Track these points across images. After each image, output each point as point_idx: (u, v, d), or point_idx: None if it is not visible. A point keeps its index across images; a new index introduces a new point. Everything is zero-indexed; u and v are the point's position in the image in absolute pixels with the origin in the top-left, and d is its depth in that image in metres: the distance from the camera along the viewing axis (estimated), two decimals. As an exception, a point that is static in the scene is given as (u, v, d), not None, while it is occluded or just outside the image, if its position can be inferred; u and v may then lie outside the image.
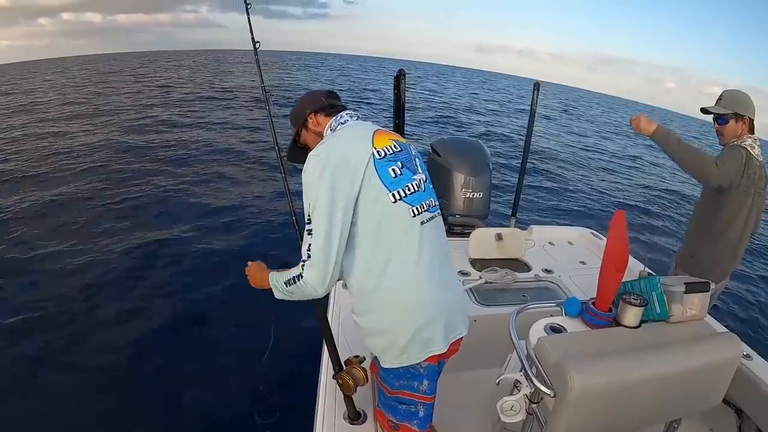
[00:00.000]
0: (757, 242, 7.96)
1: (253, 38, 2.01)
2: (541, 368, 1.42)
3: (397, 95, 3.20)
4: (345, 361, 1.69)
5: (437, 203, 1.52)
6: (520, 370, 1.48)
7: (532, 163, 11.32)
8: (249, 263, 1.63)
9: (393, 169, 1.38)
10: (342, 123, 1.53)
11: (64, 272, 5.02)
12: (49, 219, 6.48)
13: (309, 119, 1.59)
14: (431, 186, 1.53)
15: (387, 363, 1.44)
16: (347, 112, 1.57)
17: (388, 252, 1.36)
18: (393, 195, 1.36)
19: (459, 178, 3.30)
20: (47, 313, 4.28)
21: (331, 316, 2.25)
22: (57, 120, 14.59)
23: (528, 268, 2.93)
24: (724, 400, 2.10)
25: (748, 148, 2.18)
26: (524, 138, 3.68)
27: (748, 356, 2.14)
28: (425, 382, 1.47)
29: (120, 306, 4.46)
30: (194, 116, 15.21)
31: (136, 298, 4.58)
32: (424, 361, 1.43)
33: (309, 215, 1.33)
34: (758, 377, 2.03)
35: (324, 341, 1.76)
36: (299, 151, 1.63)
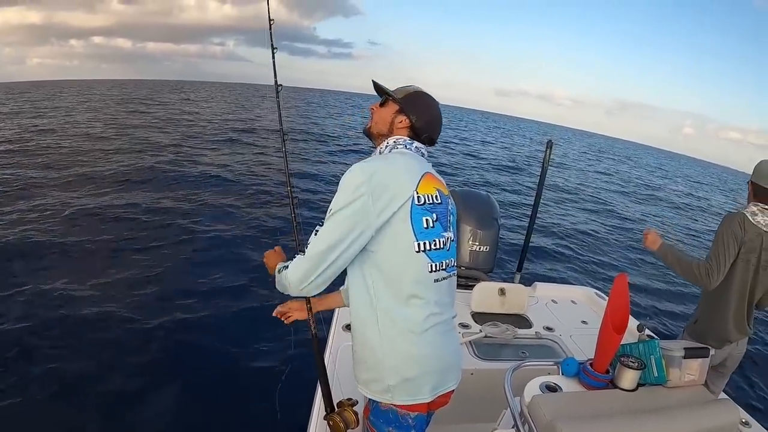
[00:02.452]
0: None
1: (276, 81, 2.10)
2: (533, 427, 1.40)
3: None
4: (337, 403, 1.67)
5: (455, 263, 1.50)
6: (513, 427, 1.47)
7: (541, 218, 11.32)
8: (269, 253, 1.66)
9: (426, 219, 1.36)
10: (404, 148, 1.48)
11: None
12: (56, 237, 6.60)
13: (400, 114, 1.51)
14: (455, 246, 1.50)
15: (371, 393, 1.43)
16: (418, 144, 1.51)
17: (397, 296, 1.35)
18: (418, 245, 1.34)
19: (466, 231, 3.32)
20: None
21: (328, 357, 2.24)
22: (74, 139, 15.16)
23: (529, 325, 2.91)
24: None
25: (748, 215, 2.20)
26: (535, 193, 3.73)
27: (746, 423, 2.10)
28: None
29: (122, 326, 4.50)
30: (208, 149, 15.55)
31: (137, 327, 4.59)
32: (412, 409, 1.41)
33: (327, 217, 1.32)
34: None
35: (318, 381, 1.75)
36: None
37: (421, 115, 1.50)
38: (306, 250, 1.33)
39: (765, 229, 2.19)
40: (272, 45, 2.20)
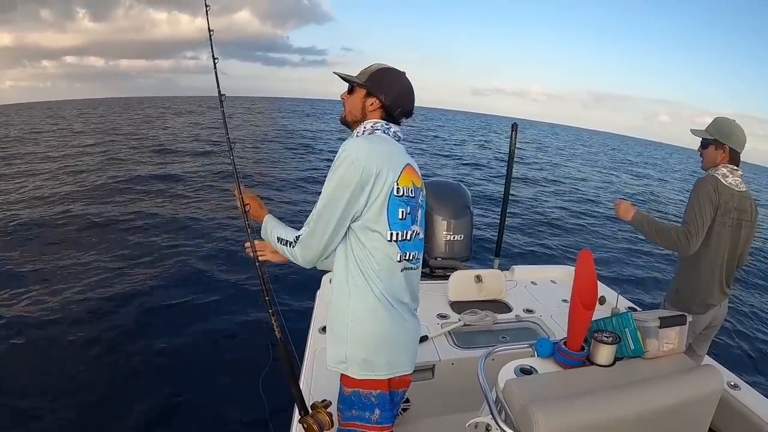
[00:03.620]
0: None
1: (219, 92, 2.08)
2: (509, 412, 1.36)
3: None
4: (311, 405, 1.67)
5: (420, 257, 1.55)
6: (490, 415, 1.43)
7: (517, 203, 11.39)
8: (246, 193, 1.72)
9: (402, 211, 1.41)
10: (384, 133, 1.49)
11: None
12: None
13: (369, 96, 1.51)
14: (421, 239, 1.55)
15: (332, 365, 1.50)
16: (395, 129, 1.52)
17: (367, 278, 1.42)
18: (392, 234, 1.40)
19: (439, 221, 3.30)
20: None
21: (306, 360, 2.21)
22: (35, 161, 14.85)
23: (509, 309, 2.89)
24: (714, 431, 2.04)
25: (720, 177, 2.18)
26: (504, 179, 3.70)
27: (735, 386, 2.08)
28: (377, 412, 1.48)
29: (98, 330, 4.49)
30: (170, 163, 15.32)
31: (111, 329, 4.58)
32: (372, 386, 1.47)
33: (323, 197, 1.38)
34: (746, 407, 1.97)
35: (290, 385, 1.75)
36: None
37: (389, 92, 1.49)
38: (307, 230, 1.42)
39: (737, 189, 2.19)
40: (213, 55, 2.19)
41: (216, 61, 2.16)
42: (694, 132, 2.35)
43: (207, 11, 2.18)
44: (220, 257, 6.69)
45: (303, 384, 1.92)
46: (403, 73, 1.54)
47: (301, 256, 1.44)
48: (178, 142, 20.20)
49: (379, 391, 1.48)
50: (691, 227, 2.15)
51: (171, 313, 5.09)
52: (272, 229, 1.56)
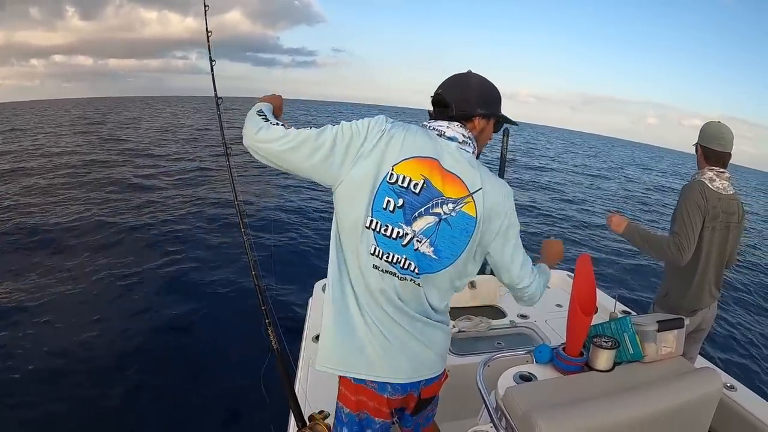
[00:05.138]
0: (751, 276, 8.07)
1: (216, 94, 2.05)
2: (510, 419, 1.36)
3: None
4: (309, 417, 1.64)
5: (416, 270, 1.27)
6: (490, 422, 1.42)
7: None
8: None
9: (388, 200, 1.22)
10: (425, 127, 1.33)
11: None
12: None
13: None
14: (424, 254, 1.27)
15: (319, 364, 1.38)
16: (440, 124, 1.32)
17: (344, 262, 1.31)
18: (370, 221, 1.22)
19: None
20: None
21: (299, 370, 2.17)
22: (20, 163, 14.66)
23: (503, 315, 2.88)
24: None
25: (707, 182, 2.17)
26: None
27: (732, 387, 2.10)
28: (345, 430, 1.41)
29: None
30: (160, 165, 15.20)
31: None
32: (345, 402, 1.39)
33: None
34: (743, 408, 1.99)
35: (288, 397, 1.71)
36: None
37: (436, 92, 1.36)
38: (282, 127, 1.26)
39: (724, 193, 2.18)
40: (210, 57, 2.17)
41: (213, 63, 2.14)
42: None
43: (206, 11, 2.14)
44: (216, 264, 6.62)
45: (299, 395, 1.89)
46: (463, 74, 1.38)
47: (261, 134, 1.24)
48: (168, 145, 19.95)
49: (348, 410, 1.39)
50: (683, 238, 2.11)
51: (163, 320, 5.05)
52: (258, 108, 1.36)
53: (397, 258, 1.25)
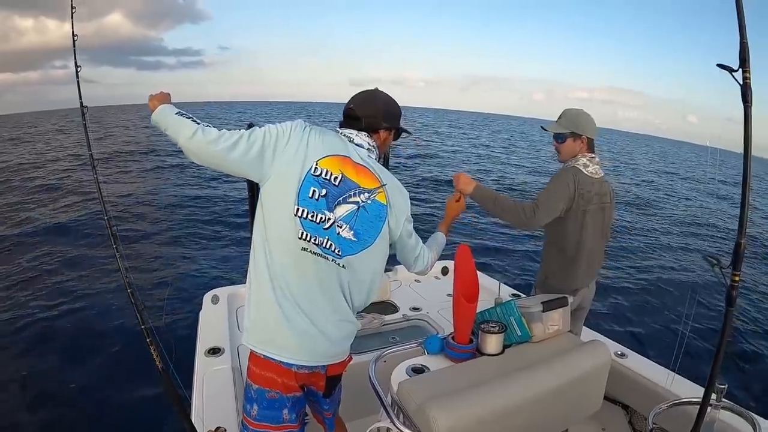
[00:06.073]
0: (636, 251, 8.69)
1: (81, 103, 1.93)
2: (407, 413, 1.36)
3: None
4: None
5: (337, 251, 1.39)
6: (388, 419, 1.42)
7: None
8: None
9: (313, 190, 1.37)
10: (337, 132, 1.53)
11: None
12: None
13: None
14: (347, 239, 1.41)
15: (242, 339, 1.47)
16: (350, 132, 1.52)
17: (267, 250, 1.38)
18: (297, 209, 1.36)
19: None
20: None
21: (195, 386, 2.04)
22: None
23: (395, 309, 2.88)
24: (610, 399, 2.16)
25: (580, 167, 2.23)
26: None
27: (622, 355, 2.23)
28: (255, 407, 1.43)
29: None
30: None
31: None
32: (255, 379, 1.41)
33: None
34: (635, 372, 2.12)
35: (179, 419, 1.63)
36: None
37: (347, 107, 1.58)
38: (215, 130, 1.36)
39: (596, 176, 2.25)
40: (76, 63, 2.03)
41: (79, 69, 2.01)
42: (547, 128, 2.35)
43: (72, 14, 2.03)
44: (85, 281, 6.10)
45: (194, 415, 1.79)
46: (365, 92, 1.61)
47: (198, 136, 1.33)
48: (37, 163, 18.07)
49: (258, 386, 1.41)
50: (541, 208, 2.14)
51: (27, 342, 4.61)
52: (171, 110, 1.41)
53: (320, 240, 1.38)
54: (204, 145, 1.32)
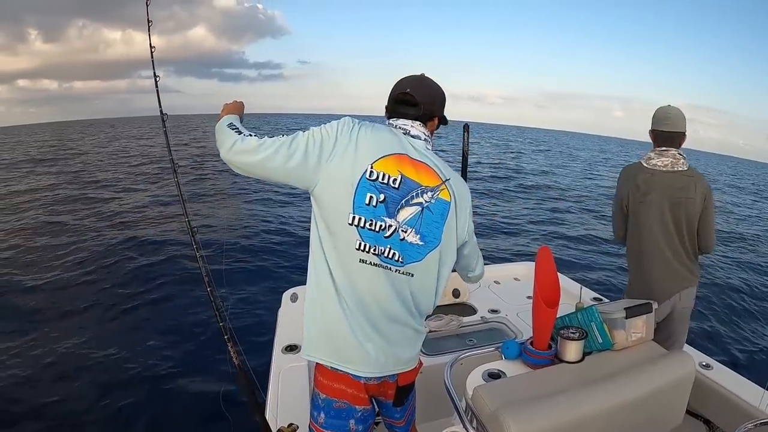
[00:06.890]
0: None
1: (161, 111, 2.01)
2: (480, 419, 1.32)
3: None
4: (277, 430, 1.59)
5: (400, 260, 1.33)
6: (461, 424, 1.39)
7: (479, 204, 11.40)
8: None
9: (370, 196, 1.28)
10: (381, 124, 1.43)
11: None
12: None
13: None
14: (411, 244, 1.34)
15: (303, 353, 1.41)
16: (400, 122, 1.41)
17: (320, 259, 1.33)
18: (353, 217, 1.28)
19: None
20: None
21: (270, 383, 2.07)
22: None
23: (474, 311, 2.84)
24: (692, 413, 2.02)
25: (643, 162, 2.20)
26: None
27: (707, 366, 2.08)
28: (322, 414, 1.40)
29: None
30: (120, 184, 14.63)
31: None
32: (322, 388, 1.38)
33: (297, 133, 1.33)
34: (720, 385, 1.97)
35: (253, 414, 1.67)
36: None
37: (390, 96, 1.46)
38: (257, 139, 1.30)
39: (664, 169, 2.13)
40: (155, 73, 2.13)
41: (157, 78, 2.11)
42: None
43: (149, 27, 2.12)
44: (169, 281, 6.34)
45: (268, 411, 1.82)
46: (420, 75, 1.49)
47: (237, 146, 1.29)
48: (121, 166, 19.23)
49: (325, 395, 1.38)
50: (613, 219, 2.32)
51: (117, 341, 4.79)
52: (227, 120, 1.41)
53: (381, 250, 1.31)
54: (242, 156, 1.28)
